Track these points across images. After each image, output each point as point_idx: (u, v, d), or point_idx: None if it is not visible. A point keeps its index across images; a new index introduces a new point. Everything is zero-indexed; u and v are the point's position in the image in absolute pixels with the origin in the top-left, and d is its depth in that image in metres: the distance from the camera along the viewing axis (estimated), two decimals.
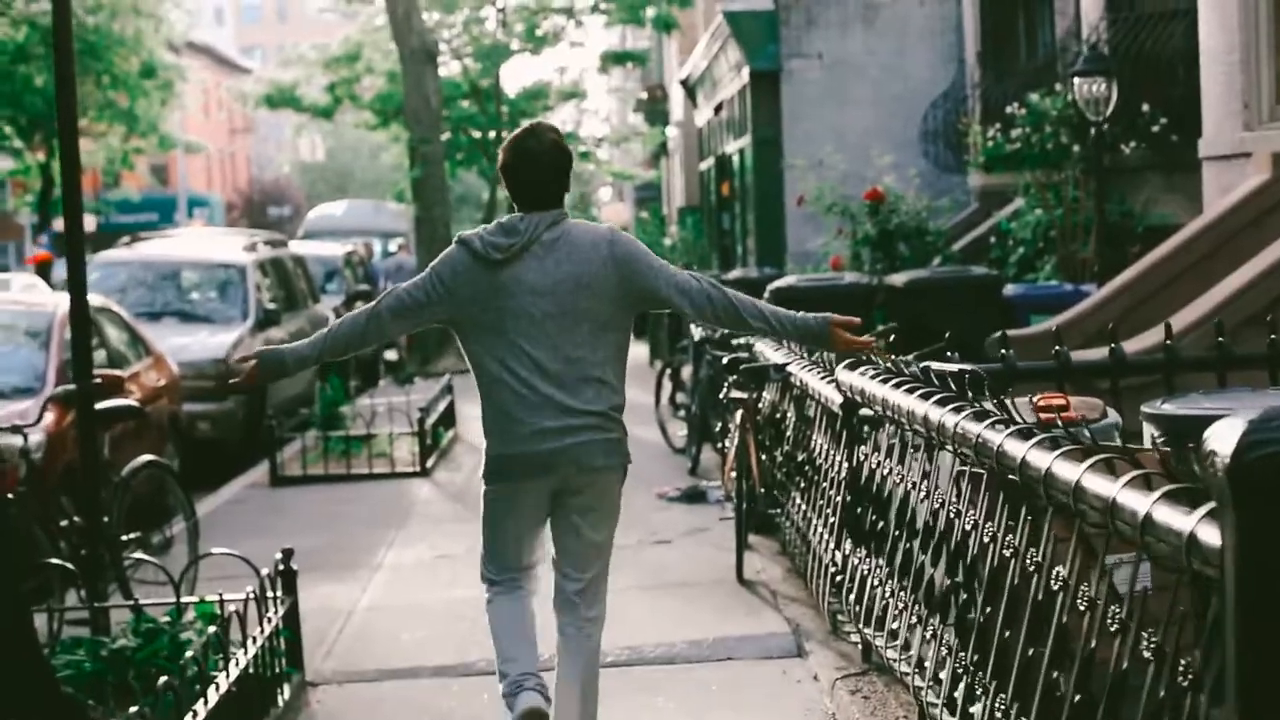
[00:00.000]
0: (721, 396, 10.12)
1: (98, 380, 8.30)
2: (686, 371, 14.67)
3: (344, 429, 16.01)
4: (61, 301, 11.87)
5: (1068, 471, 3.93)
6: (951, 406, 5.09)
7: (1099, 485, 3.73)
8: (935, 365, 6.13)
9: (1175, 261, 13.14)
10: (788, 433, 9.22)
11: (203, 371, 16.16)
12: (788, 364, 8.66)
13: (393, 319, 5.92)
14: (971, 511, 5.09)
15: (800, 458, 8.70)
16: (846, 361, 6.86)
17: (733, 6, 25.87)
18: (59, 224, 39.72)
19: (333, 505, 13.54)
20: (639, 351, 25.33)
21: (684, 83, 34.74)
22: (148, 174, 57.17)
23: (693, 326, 14.48)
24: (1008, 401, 4.96)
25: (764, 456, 9.82)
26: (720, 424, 12.53)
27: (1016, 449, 4.33)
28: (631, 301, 5.89)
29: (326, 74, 35.04)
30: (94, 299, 13.72)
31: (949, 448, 5.20)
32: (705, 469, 13.75)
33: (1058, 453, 4.08)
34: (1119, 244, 16.21)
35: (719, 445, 12.73)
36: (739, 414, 9.52)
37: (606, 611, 6.18)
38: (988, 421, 4.70)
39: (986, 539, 4.90)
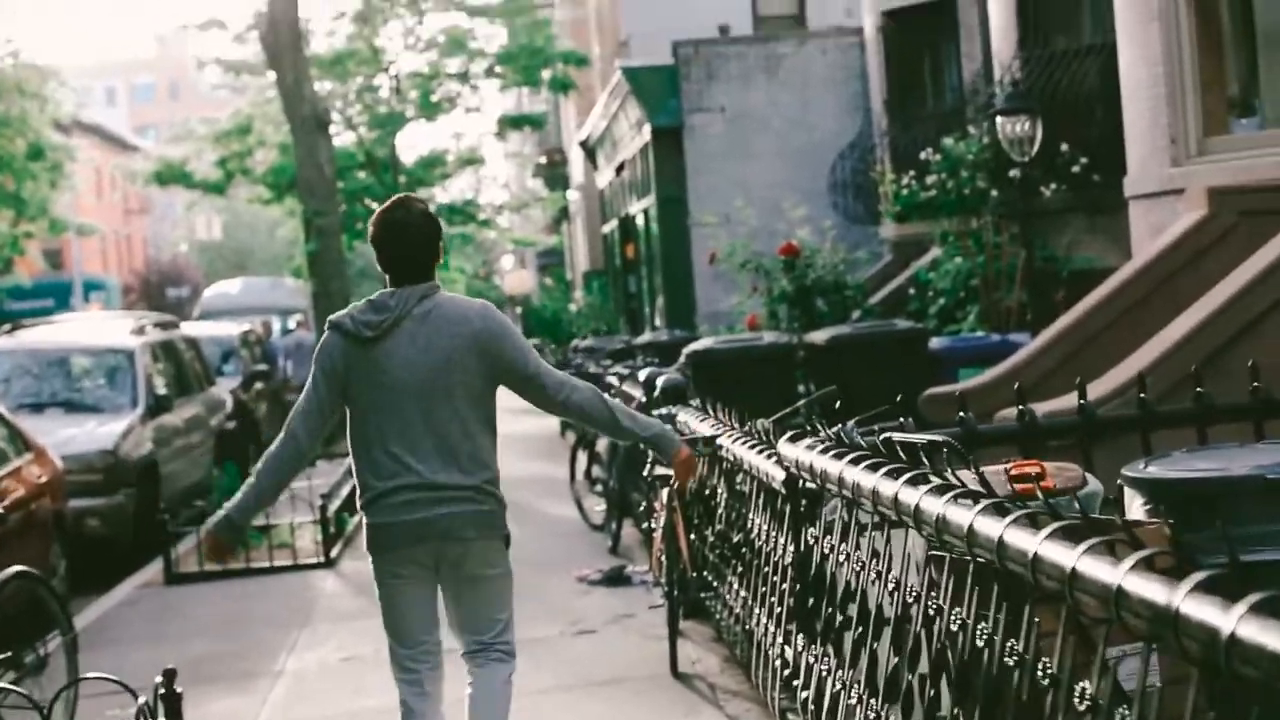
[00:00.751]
0: (645, 474, 9.29)
1: None
2: (602, 444, 13.88)
3: None
4: None
5: (1116, 578, 3.18)
6: (930, 488, 4.34)
7: (1146, 588, 2.99)
8: (895, 435, 5.37)
9: (1111, 306, 12.52)
10: (719, 510, 8.45)
11: (90, 464, 15.22)
12: (717, 436, 7.87)
13: (306, 430, 5.93)
14: (958, 608, 4.34)
15: (736, 538, 7.92)
16: (790, 433, 6.12)
17: (631, 62, 25.26)
18: None
19: (231, 604, 12.64)
20: (550, 423, 24.52)
21: (583, 144, 34.12)
22: (41, 258, 55.80)
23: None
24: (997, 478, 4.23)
25: (693, 536, 9.06)
26: (643, 501, 11.76)
27: (1062, 557, 3.46)
28: (496, 376, 5.92)
29: (217, 148, 34.19)
30: None
31: (924, 532, 4.45)
32: (627, 547, 12.98)
33: (1126, 562, 3.33)
34: (1043, 290, 15.63)
35: (643, 525, 11.93)
36: (665, 492, 8.73)
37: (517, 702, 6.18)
38: (980, 506, 3.94)
39: (980, 641, 4.15)
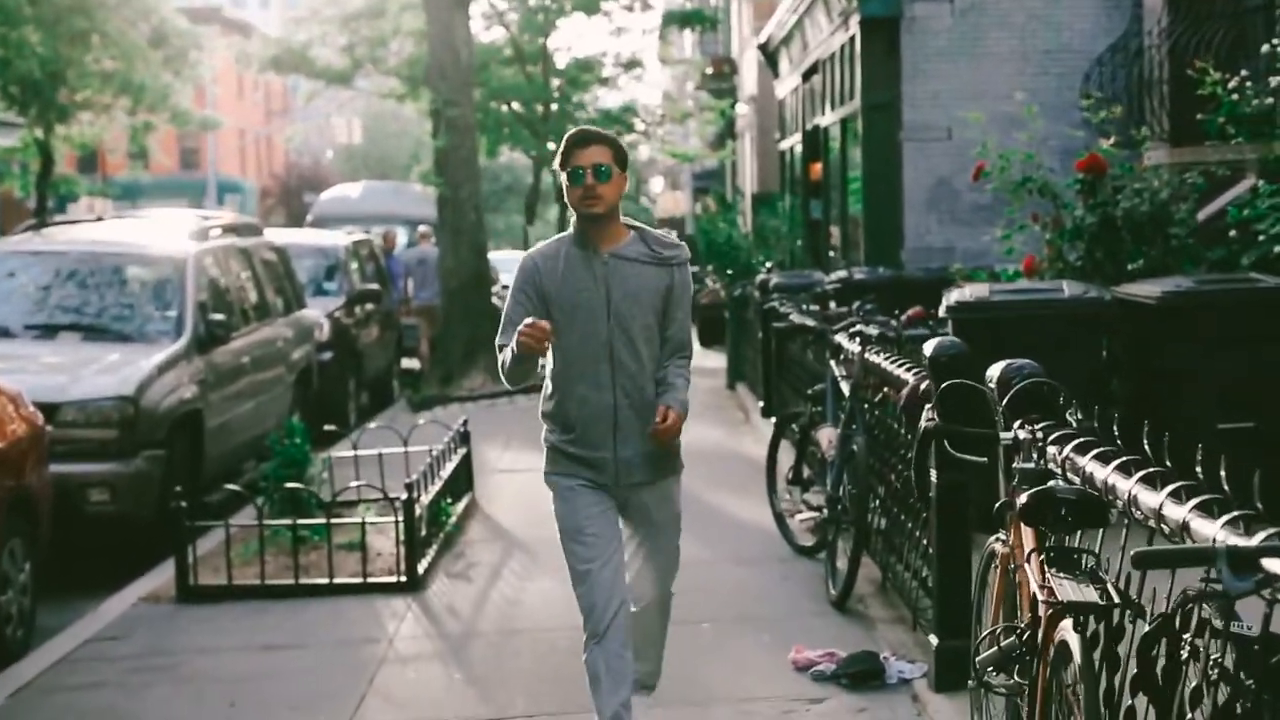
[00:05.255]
0: (980, 567, 4.47)
1: None
2: (825, 435, 9.20)
3: (303, 509, 10.36)
4: None
5: None
6: None
7: None
8: None
9: None
10: (1209, 708, 3.81)
11: (102, 415, 10.97)
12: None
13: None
14: None
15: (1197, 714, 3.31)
16: None
17: None
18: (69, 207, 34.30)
19: (252, 655, 8.24)
20: (713, 380, 20.16)
21: (763, 47, 29.35)
22: (173, 154, 52.13)
23: (834, 365, 9.17)
24: None
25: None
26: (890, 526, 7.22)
27: None
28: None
29: (345, 33, 29.85)
30: None
31: None
32: (862, 598, 8.44)
33: None
34: None
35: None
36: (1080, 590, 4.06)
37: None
38: None
39: None
